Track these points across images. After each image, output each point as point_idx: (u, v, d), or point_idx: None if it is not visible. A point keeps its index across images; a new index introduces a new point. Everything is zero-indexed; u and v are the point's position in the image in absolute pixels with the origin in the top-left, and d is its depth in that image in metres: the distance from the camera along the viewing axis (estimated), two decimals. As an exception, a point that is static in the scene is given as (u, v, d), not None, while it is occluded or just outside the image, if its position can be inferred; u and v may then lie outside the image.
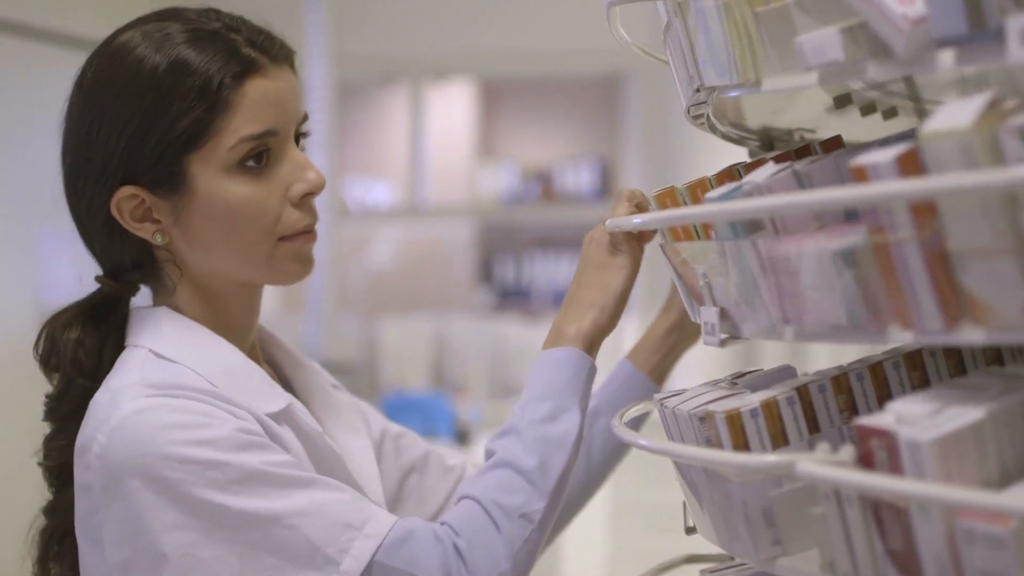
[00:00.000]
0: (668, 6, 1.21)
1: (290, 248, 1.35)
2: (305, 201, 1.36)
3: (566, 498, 1.57)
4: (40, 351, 1.39)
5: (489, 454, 1.32)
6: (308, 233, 1.36)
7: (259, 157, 1.33)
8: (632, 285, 1.39)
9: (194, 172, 1.32)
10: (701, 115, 1.30)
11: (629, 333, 4.85)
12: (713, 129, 1.36)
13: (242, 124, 1.31)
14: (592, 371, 1.36)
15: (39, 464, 1.39)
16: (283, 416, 1.34)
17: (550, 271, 6.57)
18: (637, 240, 1.39)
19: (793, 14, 1.02)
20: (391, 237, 6.40)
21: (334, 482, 1.28)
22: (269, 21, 1.40)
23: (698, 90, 1.21)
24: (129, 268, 1.38)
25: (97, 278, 1.40)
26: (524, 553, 1.27)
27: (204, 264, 1.36)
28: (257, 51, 1.33)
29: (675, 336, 1.60)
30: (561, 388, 1.34)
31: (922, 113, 1.29)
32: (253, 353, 1.43)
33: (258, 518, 1.22)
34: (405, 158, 5.90)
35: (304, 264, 1.38)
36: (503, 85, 6.91)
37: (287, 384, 1.49)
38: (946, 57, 0.89)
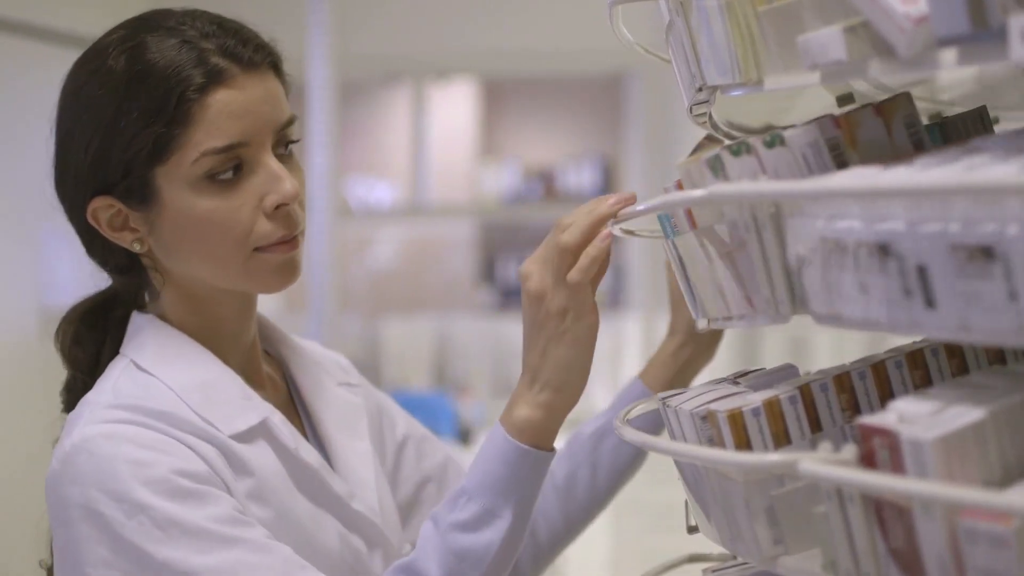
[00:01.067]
0: (670, 5, 1.21)
1: (266, 259, 1.33)
2: (280, 212, 1.33)
3: (569, 518, 1.58)
4: (61, 343, 1.42)
5: (412, 545, 1.31)
6: (286, 243, 1.34)
7: (235, 169, 1.30)
8: (591, 355, 1.28)
9: (161, 184, 1.31)
10: (703, 114, 1.30)
11: (631, 333, 4.85)
12: (715, 128, 1.36)
13: (204, 138, 1.29)
14: (539, 461, 1.28)
15: None
16: (258, 431, 1.34)
17: (552, 270, 6.56)
18: (592, 293, 1.29)
19: (795, 13, 1.02)
20: (393, 237, 6.40)
21: (267, 544, 1.26)
22: (260, 22, 1.38)
23: (700, 89, 1.21)
24: (118, 272, 1.39)
25: (110, 274, 1.42)
26: None
27: (184, 272, 1.36)
28: (228, 59, 1.30)
29: (686, 353, 1.56)
30: (496, 485, 1.27)
31: (933, 113, 1.29)
32: (251, 354, 1.42)
33: (175, 571, 1.22)
34: (407, 158, 5.90)
35: (283, 274, 1.35)
36: (505, 85, 6.90)
37: (292, 383, 1.48)
38: (948, 56, 0.89)
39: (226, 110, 1.29)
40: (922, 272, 0.91)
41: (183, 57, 1.29)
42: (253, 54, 1.32)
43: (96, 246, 1.38)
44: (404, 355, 5.17)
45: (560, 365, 1.27)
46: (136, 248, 1.35)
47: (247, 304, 1.41)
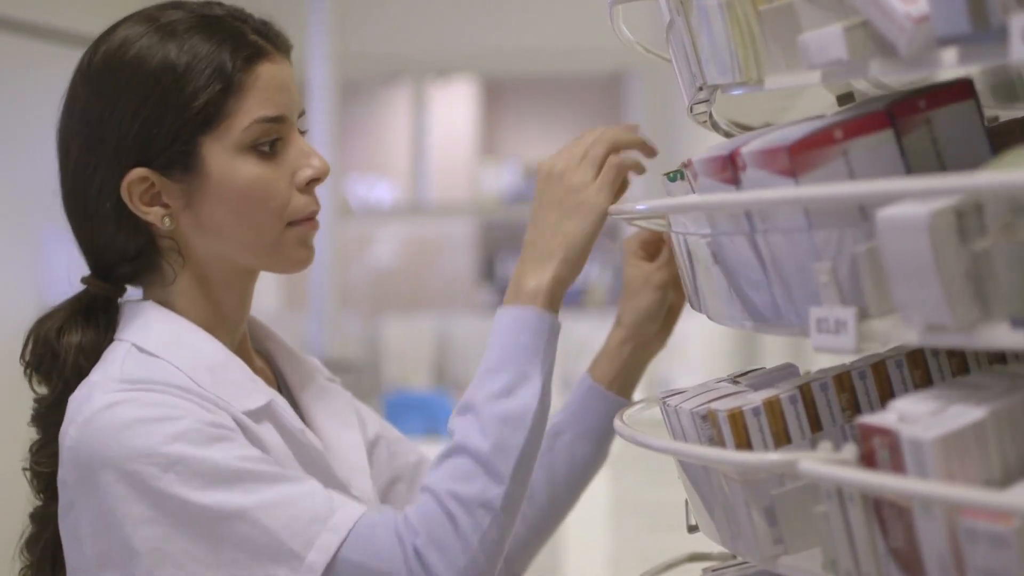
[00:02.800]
0: (671, 4, 1.21)
1: (297, 233, 1.36)
2: (310, 187, 1.36)
3: (530, 522, 1.54)
4: (29, 356, 1.37)
5: (451, 434, 1.30)
6: (312, 220, 1.37)
7: (272, 144, 1.34)
8: (597, 234, 1.33)
9: (207, 153, 1.32)
10: (704, 113, 1.30)
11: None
12: (716, 127, 1.36)
13: (255, 106, 1.32)
14: (555, 328, 1.32)
15: (25, 470, 1.38)
16: (264, 412, 1.34)
17: (552, 269, 6.57)
18: (613, 189, 1.34)
19: (796, 12, 1.02)
20: (393, 235, 6.40)
21: (302, 475, 1.29)
22: (272, 16, 1.40)
23: (701, 88, 1.21)
24: (130, 258, 1.37)
25: (84, 279, 1.39)
26: (488, 542, 1.25)
27: (211, 249, 1.36)
28: (263, 39, 1.35)
29: (630, 345, 1.55)
30: (520, 354, 1.30)
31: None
32: (243, 346, 1.42)
33: (222, 513, 1.23)
34: (407, 157, 5.90)
35: (309, 251, 1.38)
36: (505, 83, 6.90)
37: (280, 377, 1.48)
38: (949, 56, 0.89)
39: (272, 82, 1.33)
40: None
41: (224, 32, 1.33)
42: (281, 40, 1.37)
43: (110, 229, 1.35)
44: (404, 354, 5.17)
45: (570, 238, 1.32)
46: (165, 224, 1.33)
47: (249, 292, 1.42)
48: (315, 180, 1.36)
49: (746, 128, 1.37)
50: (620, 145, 1.37)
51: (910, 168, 1.03)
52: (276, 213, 1.34)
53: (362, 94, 6.36)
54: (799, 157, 1.03)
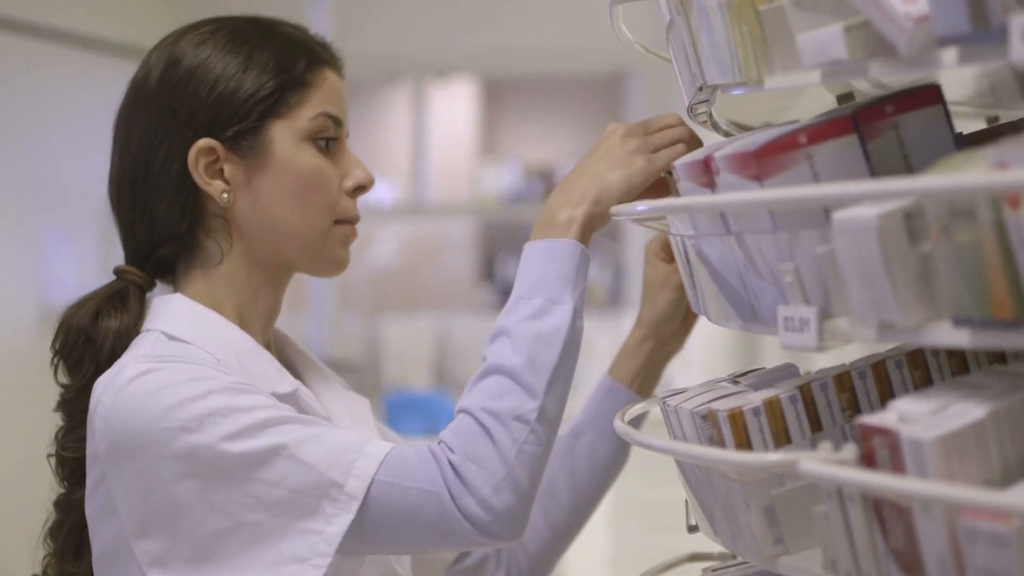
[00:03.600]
0: (671, 4, 1.21)
1: (342, 232, 1.42)
2: (356, 194, 1.43)
3: (553, 524, 1.56)
4: (59, 346, 1.39)
5: (484, 360, 1.31)
6: (354, 225, 1.44)
7: (329, 142, 1.40)
8: (634, 193, 1.34)
9: (274, 135, 1.38)
10: (704, 113, 1.30)
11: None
12: (716, 127, 1.36)
13: (322, 102, 1.40)
14: (585, 258, 1.33)
15: (51, 456, 1.39)
16: (290, 399, 1.36)
17: (552, 269, 6.57)
18: (664, 163, 1.35)
19: (796, 12, 1.02)
20: (393, 235, 6.40)
21: (328, 422, 1.32)
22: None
23: (700, 88, 1.21)
24: (179, 236, 1.39)
25: (119, 269, 1.41)
26: (525, 456, 1.26)
27: (261, 233, 1.39)
28: (324, 51, 1.43)
29: (649, 344, 1.56)
30: (552, 281, 1.31)
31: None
32: (267, 344, 1.45)
33: (259, 455, 1.25)
34: (407, 157, 5.90)
35: (347, 254, 1.44)
36: (505, 84, 6.91)
37: (299, 379, 1.49)
38: (949, 56, 0.89)
39: (335, 88, 1.42)
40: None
41: (290, 36, 1.42)
42: (336, 55, 1.45)
43: (167, 200, 1.38)
44: (404, 354, 5.17)
45: (607, 183, 1.34)
46: (224, 200, 1.37)
47: (280, 296, 1.45)
48: (360, 188, 1.43)
49: (746, 128, 1.37)
50: (687, 140, 1.38)
51: (875, 172, 1.06)
52: (328, 205, 1.40)
53: (362, 94, 6.36)
54: (764, 161, 1.05)
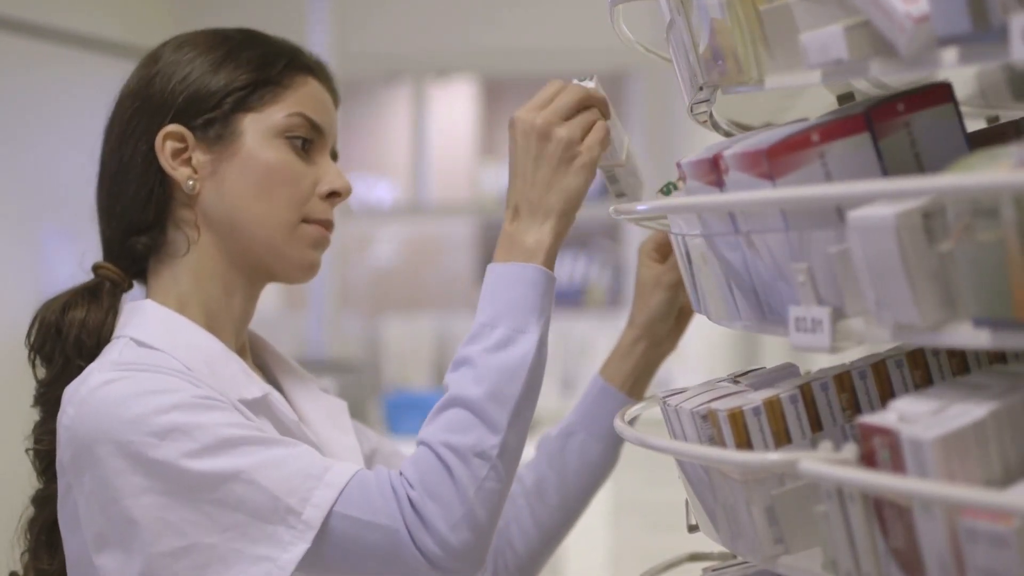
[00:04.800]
0: (671, 4, 1.21)
1: (310, 231, 1.40)
2: (331, 199, 1.41)
3: (542, 524, 1.55)
4: (33, 338, 1.40)
5: (445, 388, 1.30)
6: (326, 228, 1.41)
7: (305, 144, 1.40)
8: (589, 186, 1.32)
9: (245, 128, 1.38)
10: (704, 113, 1.30)
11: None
12: (716, 127, 1.36)
13: (300, 103, 1.40)
14: (551, 284, 1.32)
15: (28, 451, 1.40)
16: (260, 405, 1.35)
17: (552, 269, 6.57)
18: (603, 145, 1.33)
19: (796, 12, 1.02)
20: (393, 235, 6.40)
21: (293, 440, 1.29)
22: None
23: (701, 88, 1.21)
24: (147, 226, 1.39)
25: (96, 265, 1.42)
26: (485, 492, 1.25)
27: (228, 223, 1.38)
28: (316, 64, 1.45)
29: (642, 345, 1.56)
30: (518, 309, 1.29)
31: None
32: (243, 349, 1.44)
33: (218, 476, 1.23)
34: (407, 156, 5.90)
35: (316, 256, 1.42)
36: (505, 84, 6.90)
37: (276, 386, 1.48)
38: (949, 56, 0.89)
39: (318, 96, 1.43)
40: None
41: (291, 46, 1.44)
42: (331, 77, 1.47)
43: (134, 185, 1.39)
44: (404, 354, 5.17)
45: (567, 192, 1.31)
46: (189, 187, 1.37)
47: (252, 300, 1.44)
48: (335, 194, 1.42)
49: (746, 128, 1.37)
50: (588, 101, 1.35)
51: (887, 171, 1.05)
52: (294, 201, 1.39)
53: (362, 94, 6.35)
54: (776, 160, 1.04)
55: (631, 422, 1.49)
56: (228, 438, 1.25)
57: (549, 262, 1.31)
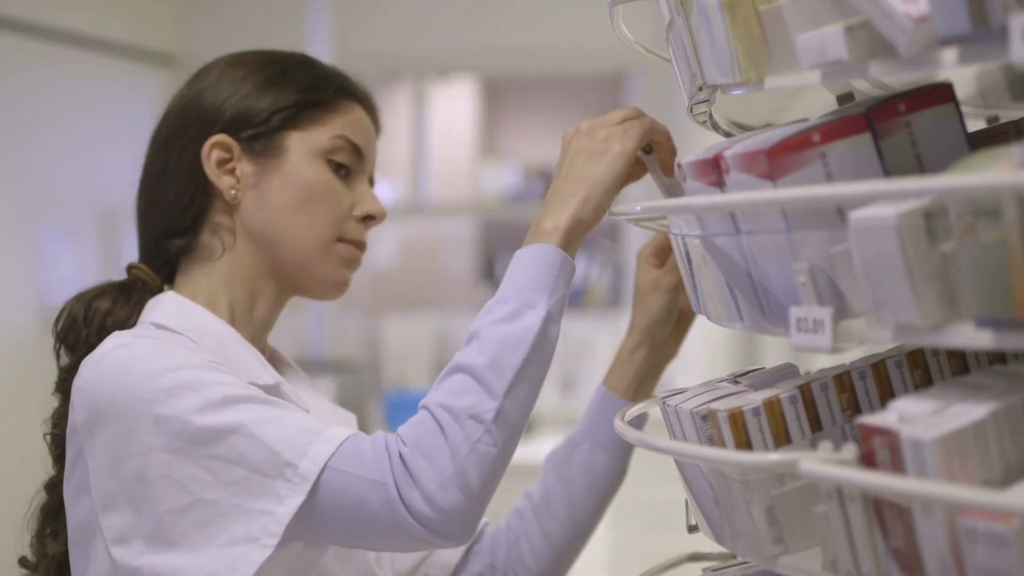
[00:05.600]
0: (671, 4, 1.21)
1: (344, 250, 1.46)
2: (366, 223, 1.47)
3: (551, 538, 1.55)
4: (59, 327, 1.43)
5: (461, 352, 1.31)
6: (360, 248, 1.47)
7: (344, 167, 1.45)
8: (621, 179, 1.33)
9: (290, 145, 1.43)
10: (704, 113, 1.30)
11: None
12: (716, 127, 1.36)
13: (345, 127, 1.45)
14: (567, 266, 1.31)
15: (45, 436, 1.42)
16: (272, 392, 1.37)
17: (552, 269, 6.58)
18: (638, 138, 1.34)
19: (796, 12, 1.02)
20: (393, 235, 6.40)
21: (296, 405, 1.33)
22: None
23: (701, 88, 1.21)
24: (184, 229, 1.43)
25: (130, 265, 1.46)
26: (478, 455, 1.24)
27: (264, 234, 1.42)
28: (363, 93, 1.50)
29: (643, 350, 1.56)
30: (527, 285, 1.30)
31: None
32: (262, 353, 1.47)
33: (220, 430, 1.26)
34: (408, 156, 5.90)
35: (349, 271, 1.48)
36: (506, 83, 6.91)
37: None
38: (949, 56, 0.89)
39: (362, 123, 1.48)
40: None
41: (337, 73, 1.50)
42: (377, 110, 1.52)
43: (176, 189, 1.43)
44: (404, 353, 5.17)
45: (593, 180, 1.32)
46: (231, 196, 1.42)
47: (277, 311, 1.48)
48: (371, 218, 1.47)
49: (746, 128, 1.37)
50: (653, 133, 1.38)
51: (888, 171, 1.05)
52: (332, 218, 1.44)
53: (362, 94, 6.35)
54: (777, 160, 1.04)
55: (637, 423, 1.49)
56: (232, 395, 1.27)
57: (565, 243, 1.31)
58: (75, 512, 1.33)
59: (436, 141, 6.15)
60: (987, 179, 0.86)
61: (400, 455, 1.25)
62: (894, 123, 1.06)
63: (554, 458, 1.57)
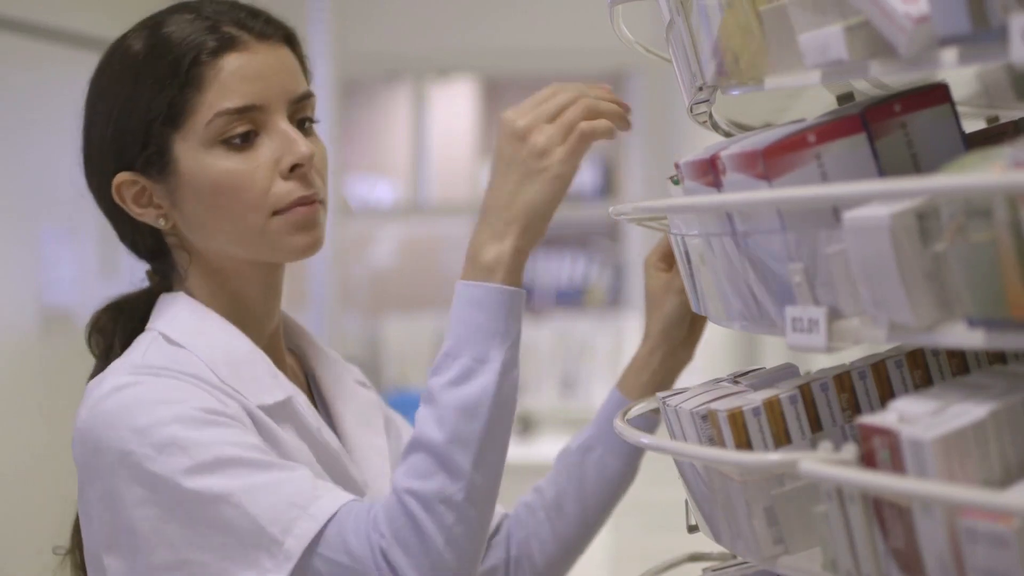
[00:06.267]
0: (671, 4, 1.21)
1: (285, 220, 1.34)
2: (296, 173, 1.34)
3: (561, 537, 1.55)
4: (88, 335, 1.43)
5: (419, 411, 1.29)
6: (305, 205, 1.34)
7: (245, 135, 1.33)
8: (560, 200, 1.26)
9: (178, 151, 1.34)
10: (704, 113, 1.30)
11: (631, 332, 4.85)
12: (716, 127, 1.36)
13: (217, 99, 1.32)
14: (516, 299, 1.26)
15: None
16: (281, 409, 1.35)
17: (552, 269, 6.57)
18: (579, 157, 1.26)
19: (795, 12, 1.02)
20: (394, 235, 6.39)
21: (292, 464, 1.28)
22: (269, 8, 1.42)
23: (701, 88, 1.21)
24: (150, 254, 1.42)
25: (148, 272, 1.45)
26: (456, 540, 1.23)
27: (206, 245, 1.38)
28: (240, 28, 1.35)
29: (659, 354, 1.55)
30: (478, 336, 1.25)
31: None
32: (274, 341, 1.44)
33: (209, 496, 1.24)
34: (408, 156, 5.90)
35: (306, 233, 1.36)
36: (506, 83, 6.90)
37: (311, 377, 1.49)
38: (949, 56, 0.89)
39: (239, 72, 1.33)
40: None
41: (196, 27, 1.34)
42: (265, 25, 1.36)
43: (126, 230, 1.41)
44: (404, 354, 5.17)
45: (531, 204, 1.26)
46: (161, 224, 1.37)
47: (273, 285, 1.42)
48: (296, 166, 1.34)
49: (746, 128, 1.37)
50: (596, 113, 1.28)
51: (883, 171, 1.05)
52: (254, 204, 1.33)
53: (362, 93, 6.35)
54: (772, 160, 1.05)
55: (650, 427, 1.49)
56: (223, 458, 1.24)
57: (511, 278, 1.26)
58: (86, 536, 1.33)
59: (436, 141, 6.15)
60: (979, 180, 0.86)
61: (380, 548, 1.23)
62: (890, 123, 1.06)
63: (566, 459, 1.57)
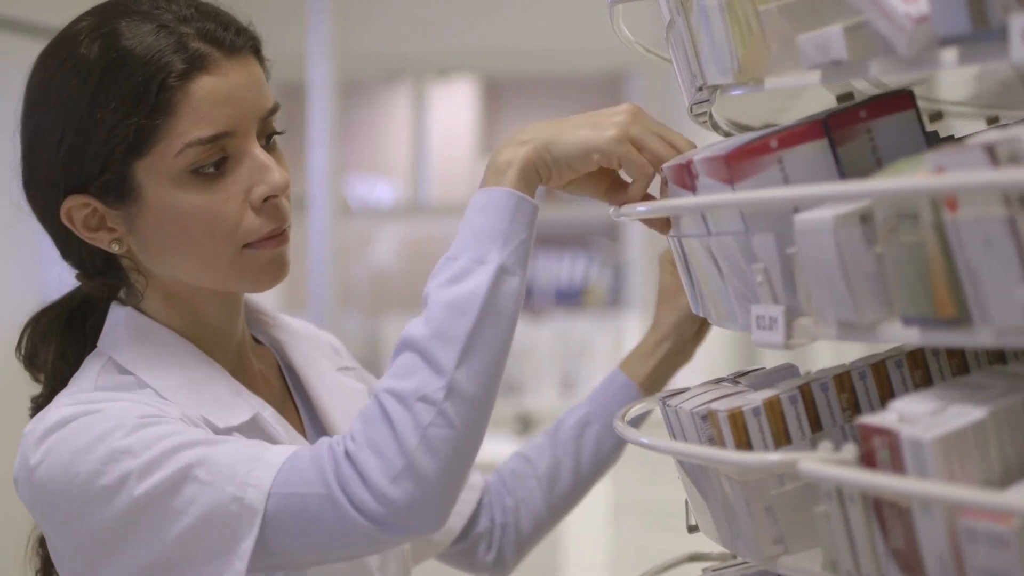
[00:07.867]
0: (671, 4, 1.21)
1: (255, 256, 1.28)
2: (268, 204, 1.27)
3: (553, 506, 1.57)
4: (23, 352, 1.37)
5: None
6: (275, 238, 1.28)
7: (220, 162, 1.25)
8: (590, 157, 1.21)
9: (141, 180, 1.25)
10: (704, 113, 1.30)
11: (631, 331, 4.85)
12: (716, 127, 1.36)
13: (189, 128, 1.23)
14: (524, 205, 1.20)
15: None
16: (249, 427, 1.30)
17: (552, 269, 6.57)
18: (628, 144, 1.23)
19: (796, 12, 1.02)
20: (394, 235, 6.39)
21: (242, 438, 1.25)
22: (260, 20, 1.34)
23: (701, 88, 1.21)
24: (100, 273, 1.33)
25: (78, 276, 1.36)
26: (431, 440, 1.14)
27: (166, 273, 1.31)
28: (209, 44, 1.24)
29: (667, 346, 1.57)
30: (478, 237, 1.19)
31: (933, 113, 1.29)
32: (241, 351, 1.39)
33: (167, 485, 1.18)
34: (408, 156, 5.90)
35: (273, 271, 1.30)
36: (506, 83, 6.90)
37: (291, 370, 1.45)
38: (949, 56, 0.89)
39: (210, 97, 1.23)
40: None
41: (161, 42, 1.23)
42: (235, 38, 1.27)
43: (72, 248, 1.32)
44: (404, 354, 5.17)
45: (565, 138, 1.21)
46: (115, 249, 1.28)
47: (233, 301, 1.36)
48: (271, 197, 1.27)
49: (746, 128, 1.37)
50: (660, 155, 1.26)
51: (845, 175, 1.08)
52: (225, 239, 1.26)
53: (362, 94, 6.35)
54: (735, 165, 1.08)
55: (637, 422, 1.51)
56: (168, 448, 1.19)
57: (520, 182, 1.20)
58: (60, 568, 1.29)
59: (436, 141, 6.15)
60: (904, 183, 0.89)
61: (346, 452, 1.15)
62: (855, 129, 1.09)
63: (563, 433, 1.58)
